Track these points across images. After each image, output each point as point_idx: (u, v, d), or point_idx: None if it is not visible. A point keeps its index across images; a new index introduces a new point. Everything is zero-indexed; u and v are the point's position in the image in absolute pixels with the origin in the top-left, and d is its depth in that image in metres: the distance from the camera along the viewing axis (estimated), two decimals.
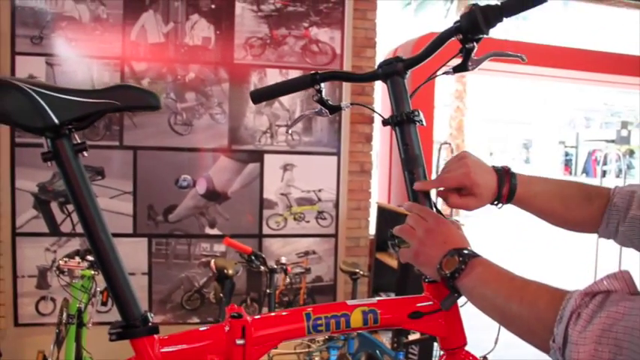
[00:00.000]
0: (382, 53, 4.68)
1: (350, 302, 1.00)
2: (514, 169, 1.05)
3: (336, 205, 3.94)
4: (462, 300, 0.90)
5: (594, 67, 5.30)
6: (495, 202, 1.03)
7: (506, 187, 1.01)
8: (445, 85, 13.53)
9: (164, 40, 3.64)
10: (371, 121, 4.01)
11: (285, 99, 3.78)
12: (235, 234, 3.66)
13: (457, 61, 1.01)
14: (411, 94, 1.04)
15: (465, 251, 0.87)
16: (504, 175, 1.02)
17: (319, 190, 3.89)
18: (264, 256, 2.75)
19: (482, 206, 1.02)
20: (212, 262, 2.78)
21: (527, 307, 0.75)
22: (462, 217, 12.07)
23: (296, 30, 3.80)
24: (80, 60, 3.52)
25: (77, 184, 0.85)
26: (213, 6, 3.69)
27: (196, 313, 3.79)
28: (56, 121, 0.81)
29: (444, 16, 15.10)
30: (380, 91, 4.09)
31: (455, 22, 0.96)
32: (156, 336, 0.90)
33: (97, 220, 0.86)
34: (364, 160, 4.03)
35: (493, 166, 1.03)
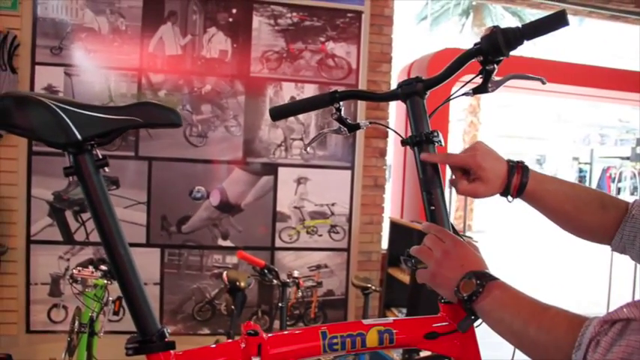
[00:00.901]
0: (397, 68, 4.68)
1: (366, 321, 0.99)
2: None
3: (349, 220, 3.94)
4: (477, 320, 0.89)
5: (609, 84, 5.26)
6: (505, 195, 1.02)
7: (517, 178, 1.00)
8: (459, 100, 13.53)
9: (181, 53, 3.67)
10: (385, 135, 4.01)
11: None
12: (248, 246, 3.67)
13: (476, 81, 1.02)
14: (430, 115, 1.04)
15: (483, 274, 0.86)
16: (516, 166, 1.01)
17: (332, 204, 3.89)
18: (276, 269, 2.75)
19: (492, 194, 1.01)
20: (224, 273, 2.77)
21: (545, 333, 0.75)
22: (475, 232, 12.01)
23: (312, 44, 3.82)
24: (98, 71, 3.55)
25: (97, 199, 0.86)
26: (230, 19, 3.72)
27: (207, 325, 3.79)
28: (79, 137, 0.82)
29: (459, 32, 15.16)
30: (394, 106, 4.09)
31: (475, 44, 0.96)
32: (172, 351, 0.91)
33: (116, 234, 0.87)
34: (378, 175, 4.03)
35: (508, 159, 1.02)
